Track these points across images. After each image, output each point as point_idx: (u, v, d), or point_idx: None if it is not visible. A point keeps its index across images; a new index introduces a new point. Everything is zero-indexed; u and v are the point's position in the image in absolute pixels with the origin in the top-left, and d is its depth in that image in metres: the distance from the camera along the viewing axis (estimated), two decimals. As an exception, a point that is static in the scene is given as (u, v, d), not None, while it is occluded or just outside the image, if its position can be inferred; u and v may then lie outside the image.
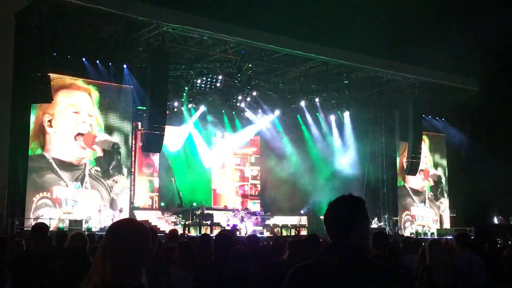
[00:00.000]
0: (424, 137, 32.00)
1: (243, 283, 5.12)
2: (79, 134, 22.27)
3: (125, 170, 23.13)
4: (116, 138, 22.95)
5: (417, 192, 31.52)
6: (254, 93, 26.64)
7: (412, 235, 26.79)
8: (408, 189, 31.07)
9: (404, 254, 7.01)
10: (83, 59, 21.81)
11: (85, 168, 22.28)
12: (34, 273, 5.09)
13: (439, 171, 32.70)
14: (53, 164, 21.48)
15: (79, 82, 22.45)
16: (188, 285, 5.39)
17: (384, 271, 2.51)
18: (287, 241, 6.35)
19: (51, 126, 21.66)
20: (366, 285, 2.43)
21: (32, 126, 21.15)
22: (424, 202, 31.62)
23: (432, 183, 32.18)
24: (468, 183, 28.81)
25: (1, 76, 19.97)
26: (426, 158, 32.27)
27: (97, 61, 22.15)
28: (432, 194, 32.15)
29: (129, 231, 2.23)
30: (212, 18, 22.17)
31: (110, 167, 22.80)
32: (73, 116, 22.25)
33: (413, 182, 31.35)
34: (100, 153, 22.65)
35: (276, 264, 5.72)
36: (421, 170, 31.22)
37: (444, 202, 32.39)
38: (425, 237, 25.17)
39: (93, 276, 2.28)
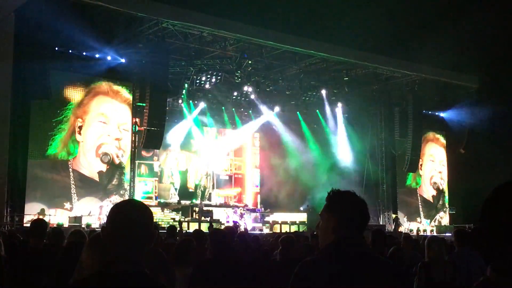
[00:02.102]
0: (442, 140, 31.87)
1: (243, 281, 5.12)
2: (101, 146, 22.17)
3: (126, 194, 22.82)
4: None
5: (427, 204, 31.49)
6: (254, 90, 26.62)
7: (412, 232, 26.83)
8: (419, 197, 31.06)
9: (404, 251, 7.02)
10: (84, 53, 21.76)
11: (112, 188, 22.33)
12: (33, 269, 5.10)
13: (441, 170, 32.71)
14: (72, 178, 21.27)
15: (122, 90, 22.40)
16: (186, 282, 5.39)
17: (390, 266, 2.53)
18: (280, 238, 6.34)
19: (80, 133, 21.59)
20: (375, 279, 2.44)
21: (65, 131, 21.20)
22: (431, 218, 31.45)
23: (434, 193, 32.18)
24: (468, 180, 28.79)
25: (1, 72, 19.95)
26: (444, 167, 32.23)
27: (97, 56, 22.06)
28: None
29: (130, 212, 2.21)
30: (212, 14, 22.13)
31: (109, 184, 22.59)
32: (99, 126, 22.09)
33: (426, 191, 31.42)
34: (102, 167, 22.47)
35: (273, 263, 5.73)
36: (432, 176, 31.33)
37: (444, 217, 32.23)
38: (425, 234, 25.16)
39: (86, 263, 2.28)
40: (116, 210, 2.24)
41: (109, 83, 22.37)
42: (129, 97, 22.74)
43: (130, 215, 2.20)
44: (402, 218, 29.92)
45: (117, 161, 22.78)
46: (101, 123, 22.12)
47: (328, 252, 2.52)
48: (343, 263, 2.44)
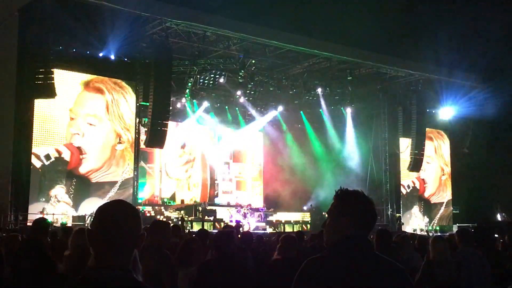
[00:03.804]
0: (445, 139, 31.68)
1: (245, 280, 5.12)
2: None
3: (129, 195, 22.78)
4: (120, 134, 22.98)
5: (430, 203, 31.35)
6: (257, 89, 26.60)
7: (415, 231, 26.80)
8: (422, 196, 30.94)
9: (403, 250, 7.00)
10: (87, 52, 21.76)
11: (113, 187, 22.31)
12: (33, 267, 5.09)
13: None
14: (74, 178, 21.30)
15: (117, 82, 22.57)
16: (190, 282, 5.39)
17: (395, 267, 2.55)
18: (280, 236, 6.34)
19: (80, 133, 21.65)
20: (381, 279, 2.46)
21: (67, 131, 21.31)
22: (435, 218, 31.07)
23: (437, 192, 32.11)
24: (471, 180, 28.71)
25: (5, 71, 20.00)
26: (447, 166, 31.99)
27: (100, 55, 22.03)
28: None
29: (116, 214, 2.11)
30: (215, 14, 22.13)
31: (112, 185, 22.60)
32: (96, 121, 22.13)
33: (429, 190, 31.32)
34: (105, 164, 22.53)
35: (275, 261, 5.72)
36: (435, 176, 31.27)
37: (447, 216, 32.06)
38: (429, 234, 25.11)
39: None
40: (102, 211, 2.14)
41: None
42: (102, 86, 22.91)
43: (116, 217, 2.10)
44: (414, 217, 29.88)
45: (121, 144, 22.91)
46: (95, 118, 22.24)
47: (335, 251, 2.53)
48: (350, 262, 2.46)
